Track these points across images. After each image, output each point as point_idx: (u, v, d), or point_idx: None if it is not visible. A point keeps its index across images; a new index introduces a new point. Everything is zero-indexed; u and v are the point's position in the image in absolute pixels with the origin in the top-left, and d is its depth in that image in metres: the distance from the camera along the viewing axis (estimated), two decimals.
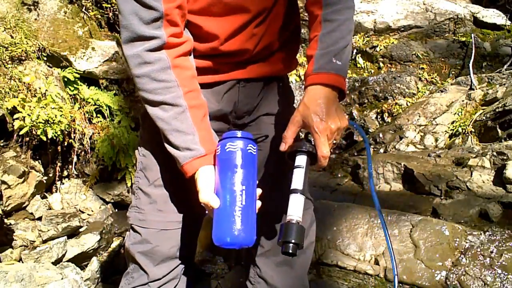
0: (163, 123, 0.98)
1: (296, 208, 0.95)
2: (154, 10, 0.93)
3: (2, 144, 2.69)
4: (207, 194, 0.92)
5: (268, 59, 1.16)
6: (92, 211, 2.99)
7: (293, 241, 0.91)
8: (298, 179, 0.97)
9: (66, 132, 2.87)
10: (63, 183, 3.04)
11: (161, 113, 0.98)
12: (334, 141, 0.99)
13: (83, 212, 2.96)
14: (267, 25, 1.10)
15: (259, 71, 1.16)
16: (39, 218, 2.70)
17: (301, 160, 0.98)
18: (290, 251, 0.91)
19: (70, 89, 3.12)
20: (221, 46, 1.07)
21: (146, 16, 0.93)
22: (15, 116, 2.61)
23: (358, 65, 4.65)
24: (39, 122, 2.63)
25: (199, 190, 0.95)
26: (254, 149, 0.97)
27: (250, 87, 1.17)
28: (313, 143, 0.98)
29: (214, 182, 0.96)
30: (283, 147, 1.01)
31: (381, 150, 3.45)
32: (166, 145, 1.01)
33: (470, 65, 4.04)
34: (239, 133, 0.96)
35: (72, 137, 2.95)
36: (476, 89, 3.61)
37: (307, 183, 0.98)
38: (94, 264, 2.36)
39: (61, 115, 2.76)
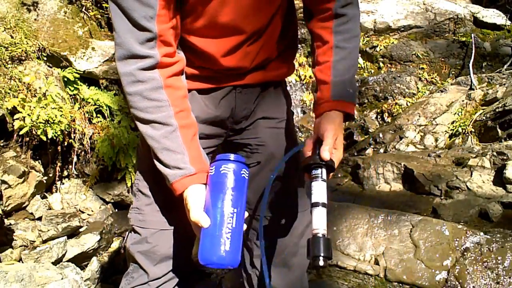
0: (153, 141, 0.99)
1: (320, 221, 0.94)
2: (148, 31, 0.94)
3: (2, 144, 2.69)
4: (198, 213, 0.94)
5: (265, 67, 1.17)
6: (92, 211, 2.99)
7: (322, 255, 0.90)
8: (320, 192, 0.97)
9: (66, 132, 2.87)
10: (63, 183, 3.05)
11: (151, 132, 0.99)
12: None
13: (83, 212, 2.96)
14: (264, 41, 1.11)
15: (256, 78, 1.17)
16: (39, 218, 2.70)
17: (322, 173, 0.99)
18: (322, 265, 0.91)
19: (70, 89, 3.12)
20: (218, 63, 1.08)
21: (140, 36, 0.94)
22: (15, 116, 2.61)
23: (358, 65, 4.65)
24: (39, 122, 2.63)
25: (189, 208, 0.95)
26: (247, 173, 0.99)
27: (247, 92, 1.18)
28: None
29: (204, 201, 0.97)
30: (327, 155, 0.99)
31: (381, 150, 3.45)
32: (156, 162, 1.02)
33: (470, 65, 4.04)
34: (232, 156, 0.98)
35: (72, 137, 2.95)
36: (476, 89, 3.60)
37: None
38: (94, 264, 2.36)
39: (61, 115, 2.76)
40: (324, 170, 0.98)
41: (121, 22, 0.93)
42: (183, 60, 1.05)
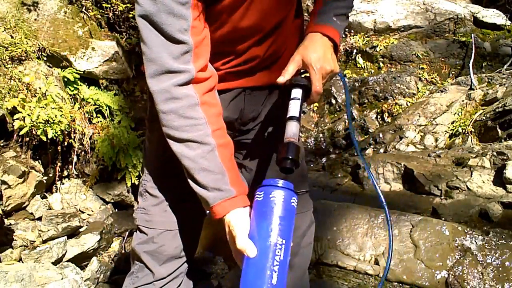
0: (189, 161, 0.95)
1: (293, 131, 1.01)
2: (184, 43, 0.91)
3: (2, 144, 2.69)
4: (244, 241, 0.88)
5: (273, 66, 1.18)
6: (92, 211, 2.99)
7: (290, 157, 0.95)
8: (294, 108, 1.04)
9: (66, 132, 2.87)
10: (63, 183, 3.04)
11: (187, 151, 0.95)
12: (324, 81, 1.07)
13: (83, 212, 2.96)
14: (277, 34, 1.12)
15: (264, 79, 1.17)
16: (39, 218, 2.70)
17: (297, 92, 1.05)
18: (288, 166, 0.95)
19: (70, 89, 3.13)
20: (233, 60, 1.09)
21: (176, 50, 0.90)
22: (15, 116, 2.61)
23: (358, 65, 4.65)
24: (39, 122, 2.63)
25: (235, 235, 0.90)
26: (296, 202, 0.94)
27: (255, 94, 1.19)
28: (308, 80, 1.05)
29: (249, 227, 0.92)
30: (282, 79, 1.04)
31: (381, 150, 3.45)
32: (192, 184, 0.97)
33: (470, 65, 4.03)
34: (281, 182, 0.92)
35: (72, 137, 2.95)
36: (476, 89, 3.60)
37: (301, 112, 1.06)
38: (94, 264, 2.36)
39: (61, 115, 2.76)
40: (300, 90, 1.05)
41: (153, 38, 0.90)
42: (215, 76, 1.02)
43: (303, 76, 1.08)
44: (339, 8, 1.12)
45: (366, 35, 4.79)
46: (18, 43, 2.88)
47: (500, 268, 1.69)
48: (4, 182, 2.51)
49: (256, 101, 1.19)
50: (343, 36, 4.82)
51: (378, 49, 4.60)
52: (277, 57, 1.17)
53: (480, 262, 1.72)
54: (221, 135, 0.99)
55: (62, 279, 2.07)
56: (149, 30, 0.90)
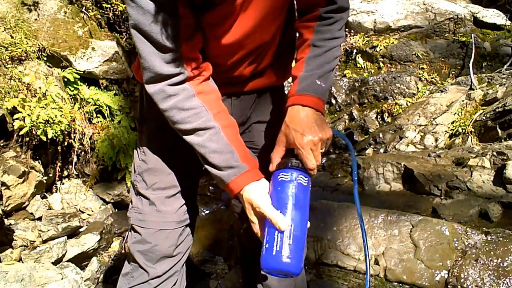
0: (200, 147, 1.00)
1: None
2: (173, 51, 0.94)
3: (2, 144, 2.69)
4: (276, 214, 0.93)
5: (262, 75, 1.18)
6: (92, 211, 2.99)
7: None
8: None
9: (66, 132, 2.87)
10: (63, 183, 3.05)
11: (197, 139, 1.00)
12: (322, 151, 1.02)
13: (83, 212, 2.96)
14: (265, 52, 1.12)
15: (252, 85, 1.18)
16: (39, 218, 2.70)
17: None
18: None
19: (70, 89, 3.13)
20: (218, 74, 1.10)
21: (167, 57, 0.94)
22: (15, 116, 2.61)
23: (358, 65, 4.65)
24: (39, 122, 2.63)
25: (260, 206, 0.95)
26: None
27: (243, 99, 1.19)
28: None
29: (275, 202, 0.96)
30: (271, 167, 1.04)
31: (381, 150, 3.45)
32: (209, 168, 1.02)
33: (470, 65, 4.03)
34: (301, 164, 1.00)
35: (72, 137, 2.95)
36: (476, 89, 3.60)
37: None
38: (94, 264, 2.36)
39: (61, 115, 2.76)
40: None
41: (145, 47, 0.93)
42: (209, 66, 1.05)
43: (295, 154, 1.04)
44: (324, 65, 1.06)
45: (366, 35, 4.79)
46: (18, 43, 2.89)
47: (500, 268, 1.69)
48: (4, 182, 2.51)
49: (243, 106, 1.20)
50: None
51: (378, 49, 4.59)
52: (266, 68, 1.17)
53: (480, 262, 1.72)
54: (224, 117, 1.02)
55: (62, 279, 2.07)
56: (141, 40, 0.93)
